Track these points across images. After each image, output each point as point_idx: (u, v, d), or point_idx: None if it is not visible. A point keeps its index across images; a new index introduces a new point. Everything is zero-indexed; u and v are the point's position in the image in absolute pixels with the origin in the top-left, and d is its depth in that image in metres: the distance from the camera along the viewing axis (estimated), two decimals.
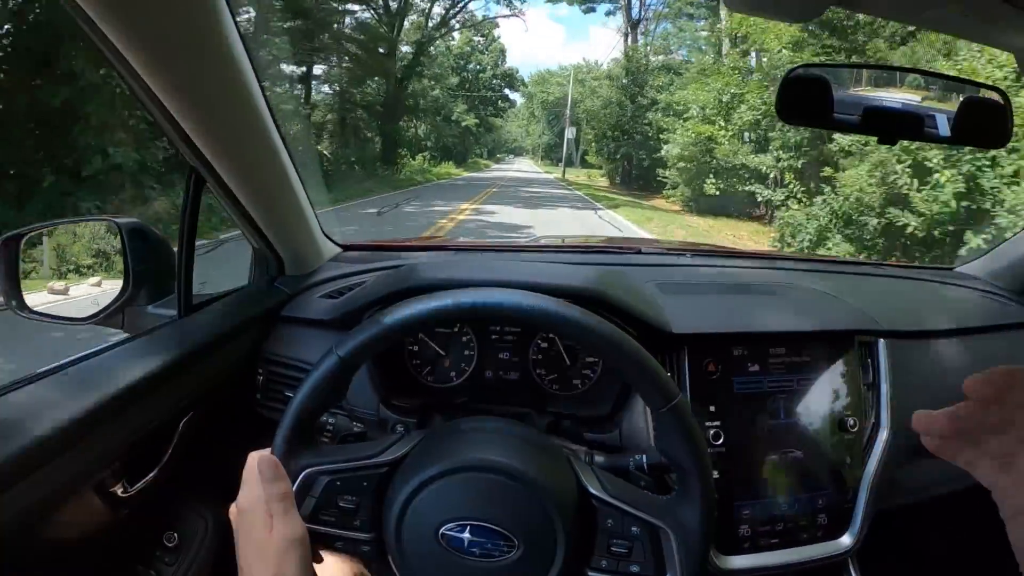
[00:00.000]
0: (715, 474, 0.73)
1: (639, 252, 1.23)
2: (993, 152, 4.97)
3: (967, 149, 5.09)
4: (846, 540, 0.86)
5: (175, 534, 0.83)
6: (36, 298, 0.86)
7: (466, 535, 0.55)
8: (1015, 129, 0.86)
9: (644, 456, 0.67)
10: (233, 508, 0.57)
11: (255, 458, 0.57)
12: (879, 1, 0.61)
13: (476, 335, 0.93)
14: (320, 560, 0.62)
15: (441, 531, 0.55)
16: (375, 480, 0.58)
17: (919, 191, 5.75)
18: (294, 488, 0.57)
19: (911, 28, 6.97)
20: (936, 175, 5.55)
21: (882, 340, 0.92)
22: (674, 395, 0.57)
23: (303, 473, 0.58)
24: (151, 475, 0.75)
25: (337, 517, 0.58)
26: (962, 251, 5.33)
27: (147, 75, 0.58)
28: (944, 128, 0.84)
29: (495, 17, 30.34)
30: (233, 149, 0.73)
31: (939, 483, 1.02)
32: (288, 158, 0.82)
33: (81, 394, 0.61)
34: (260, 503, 0.54)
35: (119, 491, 0.71)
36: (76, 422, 0.58)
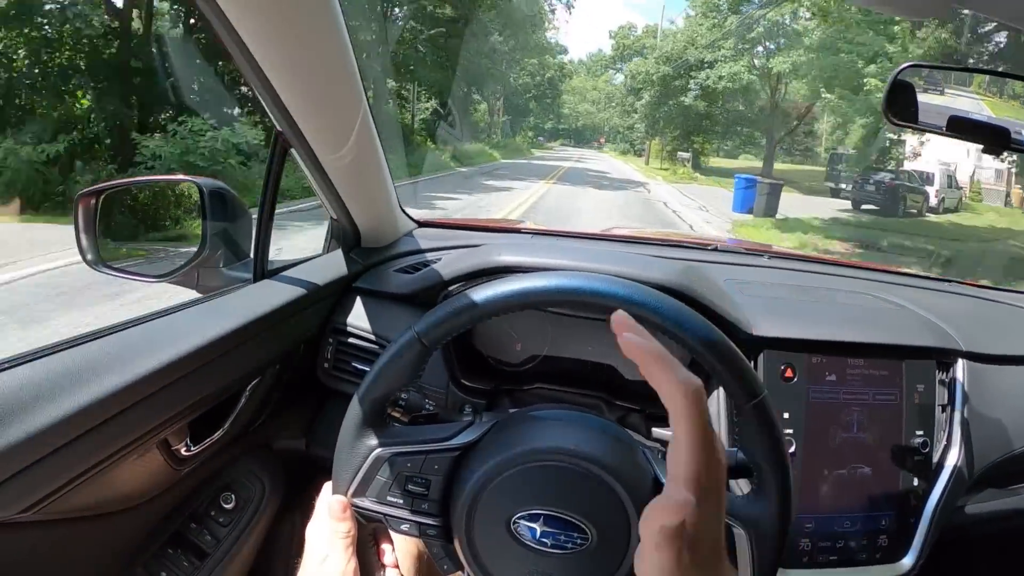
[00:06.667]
0: None
1: (716, 249, 1.21)
2: None
3: None
4: (905, 564, 0.83)
5: (232, 496, 0.83)
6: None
7: (539, 525, 0.53)
8: None
9: None
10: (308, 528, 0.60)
11: (328, 493, 0.59)
12: (998, 3, 0.59)
13: (551, 320, 0.91)
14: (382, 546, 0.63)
15: (513, 520, 0.53)
16: (446, 464, 0.57)
17: None
18: (363, 468, 0.57)
19: None
20: None
21: (961, 360, 0.89)
22: (760, 391, 0.55)
23: (373, 454, 0.57)
24: (214, 436, 0.75)
25: (404, 499, 0.57)
26: None
27: (245, 34, 0.58)
28: None
29: None
30: (323, 116, 0.73)
31: (1005, 515, 0.98)
32: (375, 130, 0.82)
33: (152, 351, 0.61)
34: (322, 535, 0.57)
35: (182, 450, 0.71)
36: (145, 378, 0.58)
